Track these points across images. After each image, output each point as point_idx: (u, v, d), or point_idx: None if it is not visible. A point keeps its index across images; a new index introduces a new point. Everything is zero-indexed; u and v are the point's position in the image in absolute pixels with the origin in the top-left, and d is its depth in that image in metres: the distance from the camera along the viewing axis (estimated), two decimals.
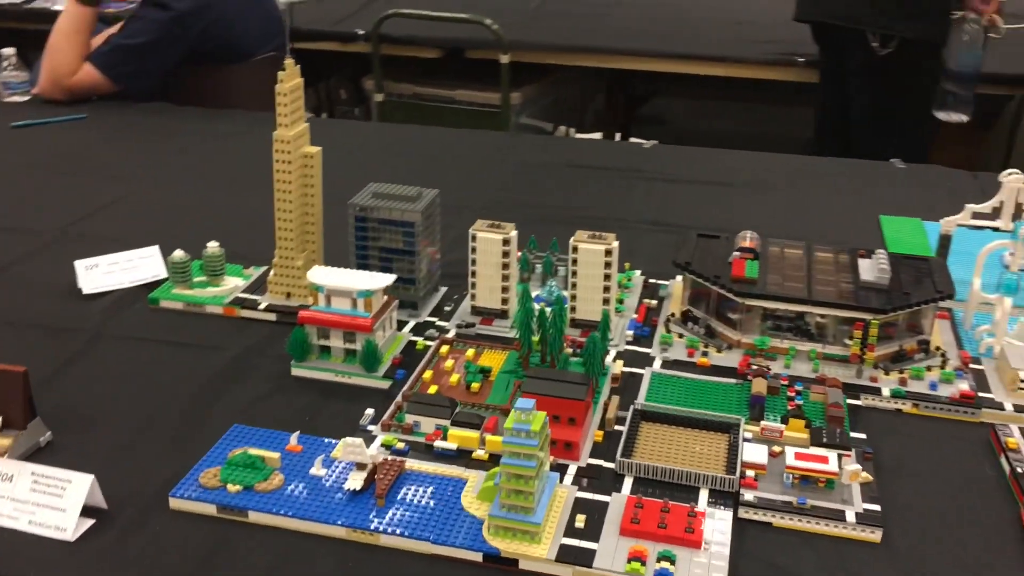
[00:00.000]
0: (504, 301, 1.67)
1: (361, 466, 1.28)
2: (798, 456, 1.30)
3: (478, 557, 1.18)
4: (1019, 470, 1.32)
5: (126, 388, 1.52)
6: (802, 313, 1.60)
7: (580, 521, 1.22)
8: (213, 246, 1.77)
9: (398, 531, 1.20)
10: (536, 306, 1.50)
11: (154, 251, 1.86)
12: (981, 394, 1.49)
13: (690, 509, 1.22)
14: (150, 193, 2.30)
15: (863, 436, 1.40)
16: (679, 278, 1.83)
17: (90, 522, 1.22)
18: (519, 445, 1.16)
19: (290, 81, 1.63)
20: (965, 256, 1.86)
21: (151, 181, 2.37)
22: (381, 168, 2.31)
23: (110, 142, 2.66)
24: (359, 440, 1.28)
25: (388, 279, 1.55)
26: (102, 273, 1.81)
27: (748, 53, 3.64)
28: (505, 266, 1.64)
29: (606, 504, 1.25)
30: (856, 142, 3.21)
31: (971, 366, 1.57)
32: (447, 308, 1.73)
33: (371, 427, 1.41)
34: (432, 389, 1.48)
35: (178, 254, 1.76)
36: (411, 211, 1.64)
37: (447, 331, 1.66)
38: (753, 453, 1.33)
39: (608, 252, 1.60)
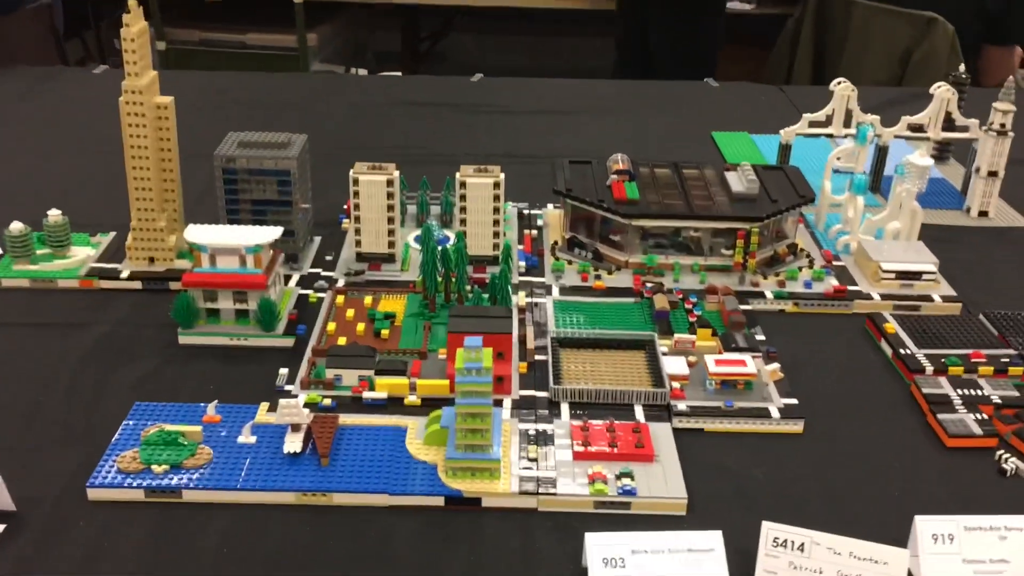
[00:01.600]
0: (391, 244, 1.62)
1: (296, 427, 1.21)
2: (718, 363, 1.36)
3: (440, 501, 1.16)
4: (901, 352, 1.45)
5: None
6: (678, 229, 1.67)
7: (532, 452, 1.22)
8: (55, 214, 1.60)
9: (352, 488, 1.16)
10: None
11: None
12: (849, 287, 1.61)
13: (635, 426, 1.25)
14: None
15: (762, 337, 1.48)
16: (550, 206, 1.85)
17: (1, 527, 1.09)
18: (472, 384, 1.15)
19: (135, 25, 1.48)
20: (804, 163, 1.99)
21: None
22: (194, 119, 2.11)
23: None
24: (294, 400, 1.21)
25: (275, 232, 1.46)
26: None
27: None
28: (390, 208, 1.59)
29: (550, 433, 1.26)
30: (658, 66, 3.33)
31: (834, 263, 1.69)
32: (328, 258, 1.66)
33: (289, 387, 1.34)
34: (341, 340, 1.42)
35: (16, 226, 1.57)
36: (285, 159, 1.55)
37: (336, 281, 1.59)
38: (674, 365, 1.38)
39: (496, 185, 1.58)
